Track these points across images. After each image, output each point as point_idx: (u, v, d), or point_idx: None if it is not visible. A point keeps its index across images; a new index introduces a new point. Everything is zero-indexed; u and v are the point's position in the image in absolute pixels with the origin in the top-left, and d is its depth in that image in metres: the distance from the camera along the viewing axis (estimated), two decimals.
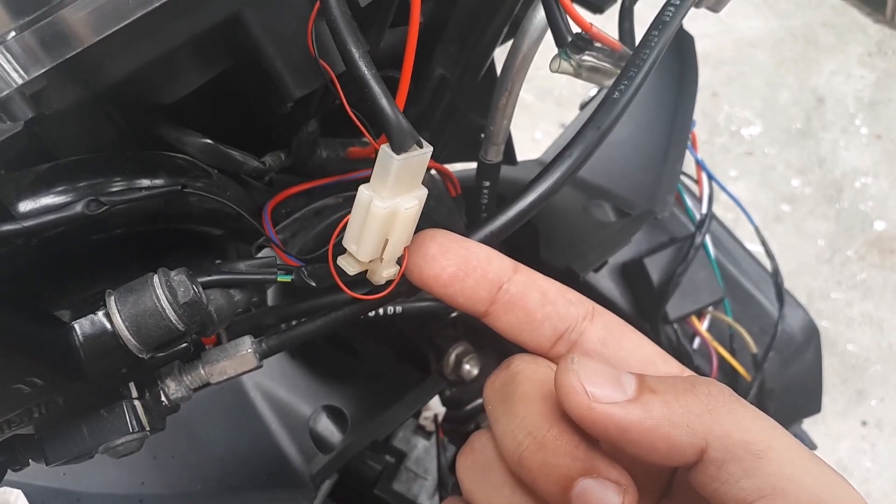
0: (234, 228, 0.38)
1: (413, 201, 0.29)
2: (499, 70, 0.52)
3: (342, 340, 0.58)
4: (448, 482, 0.56)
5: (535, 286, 0.32)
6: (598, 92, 0.70)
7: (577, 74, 0.37)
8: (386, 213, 0.29)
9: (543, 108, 2.16)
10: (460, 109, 0.52)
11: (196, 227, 0.38)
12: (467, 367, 0.60)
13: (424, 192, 0.30)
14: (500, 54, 0.51)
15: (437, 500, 0.56)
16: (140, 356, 0.29)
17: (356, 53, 0.27)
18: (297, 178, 0.42)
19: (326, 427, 0.45)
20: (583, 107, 0.74)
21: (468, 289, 0.31)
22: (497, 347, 0.60)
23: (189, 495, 0.42)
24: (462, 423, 0.59)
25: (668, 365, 0.33)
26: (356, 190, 0.44)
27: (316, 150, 0.41)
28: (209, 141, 0.35)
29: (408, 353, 0.60)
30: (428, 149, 0.28)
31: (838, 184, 2.11)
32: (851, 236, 2.01)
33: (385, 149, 0.28)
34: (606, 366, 0.28)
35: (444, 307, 0.51)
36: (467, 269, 0.31)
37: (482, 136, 0.55)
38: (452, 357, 0.59)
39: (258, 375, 0.47)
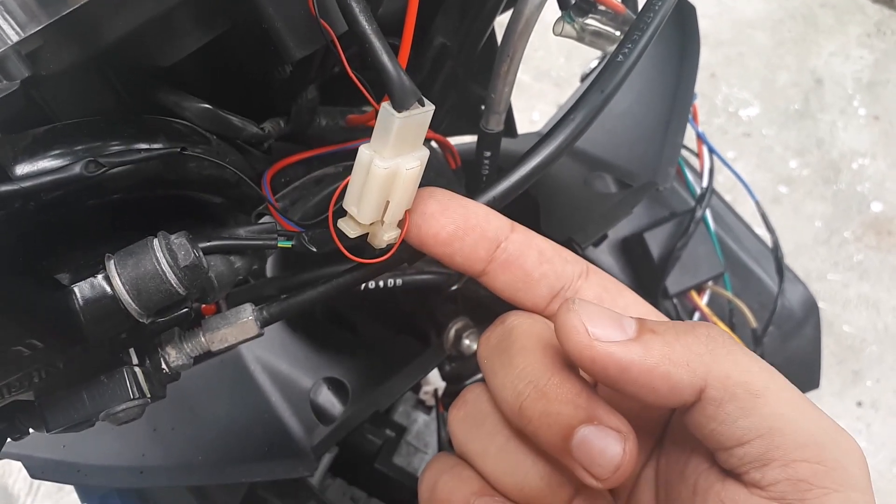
0: (233, 196, 0.38)
1: (415, 161, 0.29)
2: (499, 40, 0.52)
3: (341, 316, 0.58)
4: None
5: (532, 245, 0.32)
6: (600, 63, 0.70)
7: (580, 39, 0.36)
8: (387, 174, 0.28)
9: (541, 89, 2.15)
10: (461, 79, 0.51)
11: (195, 195, 0.37)
12: (467, 341, 0.60)
13: (426, 152, 0.29)
14: (499, 25, 0.50)
15: None
16: (140, 320, 0.29)
17: (356, 8, 0.27)
18: (295, 146, 0.42)
19: (327, 398, 0.45)
20: (584, 78, 0.74)
21: (467, 248, 0.31)
22: None
23: (190, 466, 0.42)
24: None
25: None
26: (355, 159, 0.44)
27: (315, 117, 0.40)
28: (208, 106, 0.34)
29: (407, 329, 0.60)
30: (430, 107, 0.28)
31: (836, 165, 2.10)
32: (849, 217, 2.01)
33: (386, 107, 0.27)
34: (607, 308, 0.28)
35: (445, 280, 0.51)
36: (466, 227, 0.31)
37: (482, 107, 0.54)
38: (452, 332, 0.59)
39: (258, 349, 0.47)
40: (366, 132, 0.44)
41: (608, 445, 0.27)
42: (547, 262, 0.32)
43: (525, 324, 0.32)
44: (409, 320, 0.60)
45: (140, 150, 0.30)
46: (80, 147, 0.31)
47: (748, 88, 2.24)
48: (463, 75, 0.51)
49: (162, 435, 0.43)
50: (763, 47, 2.34)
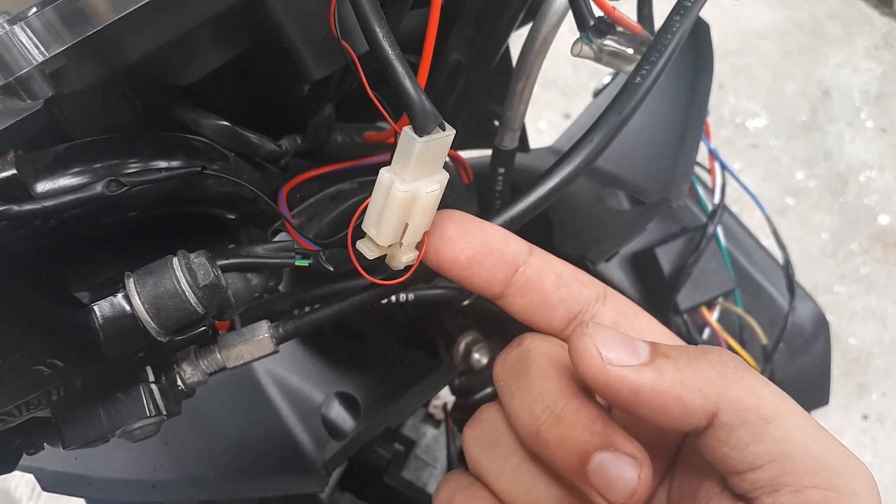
0: (248, 212, 0.38)
1: (434, 185, 0.29)
2: (513, 56, 0.52)
3: (350, 329, 0.58)
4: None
5: (550, 269, 0.32)
6: (613, 79, 0.70)
7: (597, 59, 0.37)
8: (406, 197, 0.28)
9: (548, 99, 2.15)
10: (474, 95, 0.51)
11: (211, 211, 0.37)
12: (477, 356, 0.59)
13: (446, 175, 0.29)
14: (513, 41, 0.50)
15: None
16: (159, 339, 0.29)
17: (380, 33, 0.27)
18: (311, 162, 0.42)
19: (339, 414, 0.45)
20: (596, 94, 0.74)
21: (485, 272, 0.31)
22: (506, 337, 0.60)
23: (201, 481, 0.42)
24: (471, 412, 0.58)
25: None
26: (371, 175, 0.44)
27: (331, 134, 0.41)
28: (226, 123, 0.35)
29: (417, 342, 0.60)
30: (450, 131, 0.28)
31: (843, 177, 2.10)
32: (855, 230, 2.00)
33: (407, 131, 0.27)
34: (620, 332, 0.29)
35: (457, 295, 0.51)
36: (485, 251, 0.31)
37: (496, 122, 0.54)
38: (462, 346, 0.59)
39: (270, 363, 0.47)
40: (381, 148, 0.44)
41: (624, 471, 0.28)
42: (565, 286, 0.32)
43: (542, 347, 0.32)
44: (418, 333, 0.60)
45: (160, 170, 0.30)
46: (99, 165, 0.31)
47: (755, 99, 2.24)
48: (476, 91, 0.51)
49: (173, 449, 0.43)
50: (770, 58, 2.34)
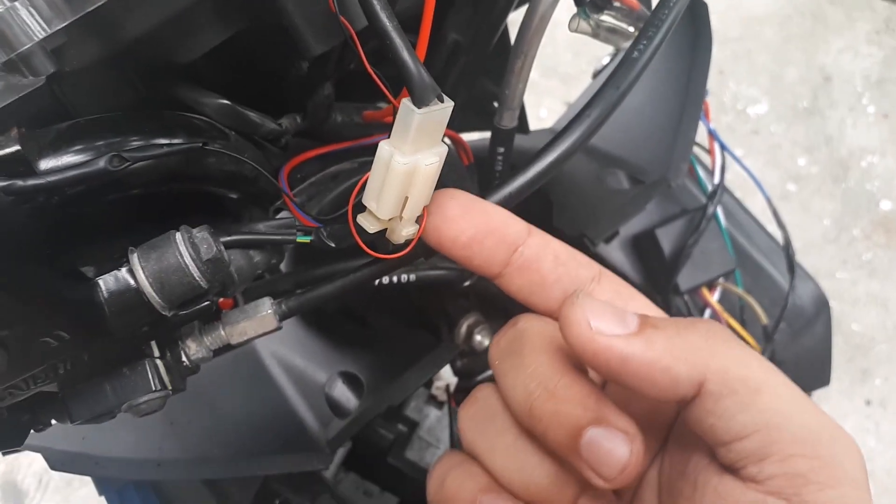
0: (250, 191, 0.38)
1: (434, 157, 0.29)
2: (511, 36, 0.52)
3: (353, 310, 0.59)
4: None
5: (548, 249, 0.33)
6: (612, 59, 0.70)
7: (594, 35, 0.37)
8: (406, 170, 0.28)
9: (548, 86, 2.14)
10: (473, 76, 0.51)
11: (212, 190, 0.38)
12: (479, 337, 0.60)
13: (445, 148, 0.30)
14: (511, 22, 0.50)
15: None
16: (163, 313, 0.29)
17: (377, 5, 0.27)
18: (311, 142, 0.42)
19: (342, 392, 0.46)
20: (596, 75, 0.74)
21: (486, 251, 0.32)
22: (508, 318, 0.60)
23: (206, 460, 0.42)
24: None
25: None
26: (372, 155, 0.44)
27: (331, 114, 0.41)
28: (226, 102, 0.35)
29: (419, 324, 0.61)
30: (449, 103, 0.28)
31: (845, 163, 2.10)
32: (857, 216, 2.00)
33: (406, 102, 0.28)
34: (610, 304, 0.29)
35: (458, 276, 0.51)
36: (485, 231, 0.32)
37: (495, 103, 0.55)
38: (464, 328, 0.60)
39: (273, 343, 0.47)
40: (381, 128, 0.44)
41: (615, 447, 0.28)
42: (562, 266, 0.32)
43: (536, 326, 0.32)
44: (420, 315, 0.61)
45: (162, 146, 0.30)
46: (101, 142, 0.31)
47: (756, 85, 2.23)
48: (475, 72, 0.51)
49: (179, 428, 0.44)
50: (771, 43, 2.33)
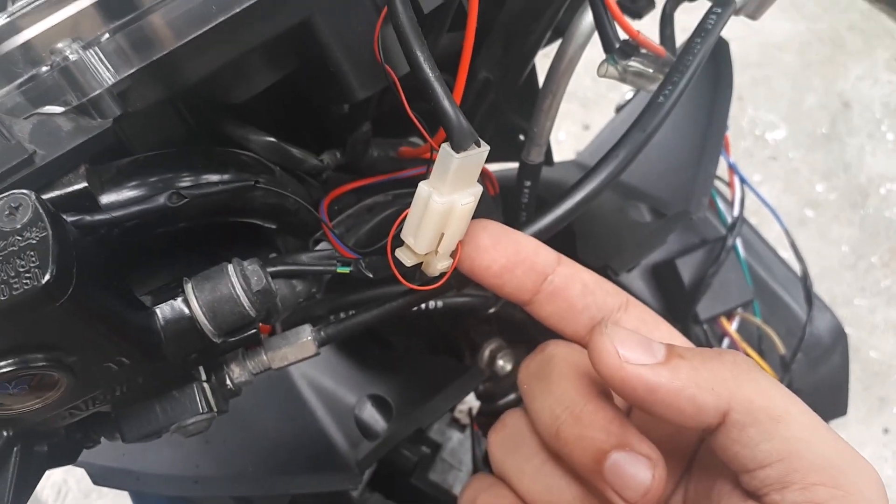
0: (289, 222, 0.40)
1: (469, 197, 0.31)
2: (538, 72, 0.54)
3: (379, 335, 0.60)
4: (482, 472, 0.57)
5: (577, 278, 0.34)
6: (635, 95, 0.72)
7: (622, 79, 0.38)
8: (443, 209, 0.30)
9: (568, 110, 2.16)
10: (501, 110, 0.53)
11: (254, 221, 0.40)
12: (501, 362, 0.61)
13: (480, 188, 0.31)
14: (538, 59, 0.52)
15: None
16: (214, 340, 0.31)
17: (422, 57, 0.29)
18: (348, 175, 0.44)
19: (371, 415, 0.47)
20: (619, 109, 0.76)
21: (516, 280, 0.33)
22: (530, 344, 0.61)
23: (240, 477, 0.44)
24: (495, 417, 0.60)
25: None
26: (403, 188, 0.46)
27: (368, 149, 0.43)
28: (273, 139, 0.37)
29: (443, 348, 0.62)
30: (485, 147, 0.30)
31: (863, 189, 2.09)
32: (876, 243, 2.00)
33: (445, 147, 0.29)
34: (637, 333, 0.30)
35: (483, 303, 0.52)
36: (516, 261, 0.33)
37: (521, 137, 0.56)
38: (487, 352, 0.61)
39: (304, 366, 0.49)
40: (414, 162, 0.46)
41: (638, 471, 0.29)
42: (590, 295, 0.34)
43: (564, 352, 0.34)
44: (443, 339, 0.62)
45: (216, 183, 0.32)
46: (155, 178, 0.33)
47: (775, 111, 2.24)
48: (503, 106, 0.53)
49: (215, 447, 0.45)
50: (790, 70, 2.34)
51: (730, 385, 0.28)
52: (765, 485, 0.28)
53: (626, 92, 0.74)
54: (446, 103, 0.29)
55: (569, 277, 0.34)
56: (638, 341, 0.29)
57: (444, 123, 0.29)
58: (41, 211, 0.24)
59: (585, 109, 2.17)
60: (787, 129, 2.21)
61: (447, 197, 0.30)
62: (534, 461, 0.33)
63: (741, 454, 0.28)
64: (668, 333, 0.35)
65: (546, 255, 0.34)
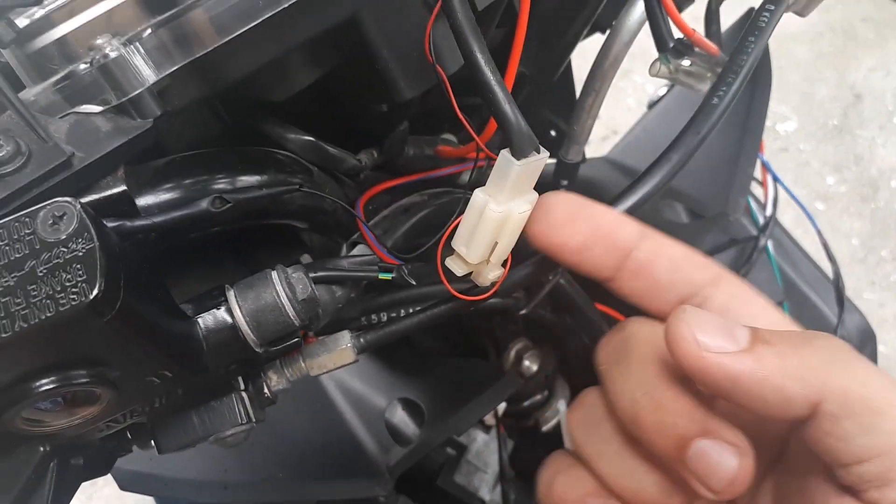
0: (324, 223, 0.39)
1: (526, 205, 0.29)
2: (573, 69, 0.52)
3: None
4: (508, 475, 0.56)
5: (663, 253, 0.31)
6: (668, 91, 0.70)
7: (673, 78, 0.37)
8: (500, 217, 0.29)
9: None
10: (535, 105, 0.52)
11: (289, 223, 0.38)
12: (527, 363, 0.60)
13: (536, 196, 0.30)
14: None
15: (498, 492, 0.56)
16: (256, 350, 0.30)
17: (482, 59, 0.27)
18: (382, 174, 0.42)
19: (402, 419, 0.46)
20: (651, 105, 0.74)
21: (596, 257, 0.31)
22: (557, 344, 0.60)
23: (270, 482, 0.43)
24: (521, 419, 0.59)
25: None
26: (438, 187, 0.44)
27: (405, 147, 0.41)
28: (311, 138, 0.35)
29: (467, 347, 0.61)
30: (545, 154, 0.29)
31: (874, 182, 2.08)
32: (886, 236, 1.98)
33: (505, 154, 0.28)
34: (718, 316, 0.27)
35: (515, 304, 0.51)
36: (595, 237, 0.30)
37: (552, 133, 0.55)
38: (513, 353, 0.60)
39: None
40: (450, 161, 0.44)
41: (724, 459, 0.27)
42: (677, 270, 0.31)
43: (644, 332, 0.31)
44: (468, 337, 0.61)
45: (259, 187, 0.31)
46: (191, 180, 0.32)
47: (786, 102, 2.22)
48: (537, 102, 0.52)
49: (243, 451, 0.44)
50: (802, 61, 2.32)
51: (820, 373, 0.26)
52: (863, 480, 0.26)
53: (660, 87, 0.72)
54: (507, 107, 0.28)
55: (654, 253, 0.31)
56: (719, 326, 0.27)
57: (504, 128, 0.28)
58: (87, 221, 0.22)
59: (607, 107, 2.15)
60: (798, 121, 2.19)
61: (504, 205, 0.29)
62: (613, 444, 0.31)
63: (836, 448, 0.26)
64: (762, 308, 0.32)
65: (628, 230, 0.31)
